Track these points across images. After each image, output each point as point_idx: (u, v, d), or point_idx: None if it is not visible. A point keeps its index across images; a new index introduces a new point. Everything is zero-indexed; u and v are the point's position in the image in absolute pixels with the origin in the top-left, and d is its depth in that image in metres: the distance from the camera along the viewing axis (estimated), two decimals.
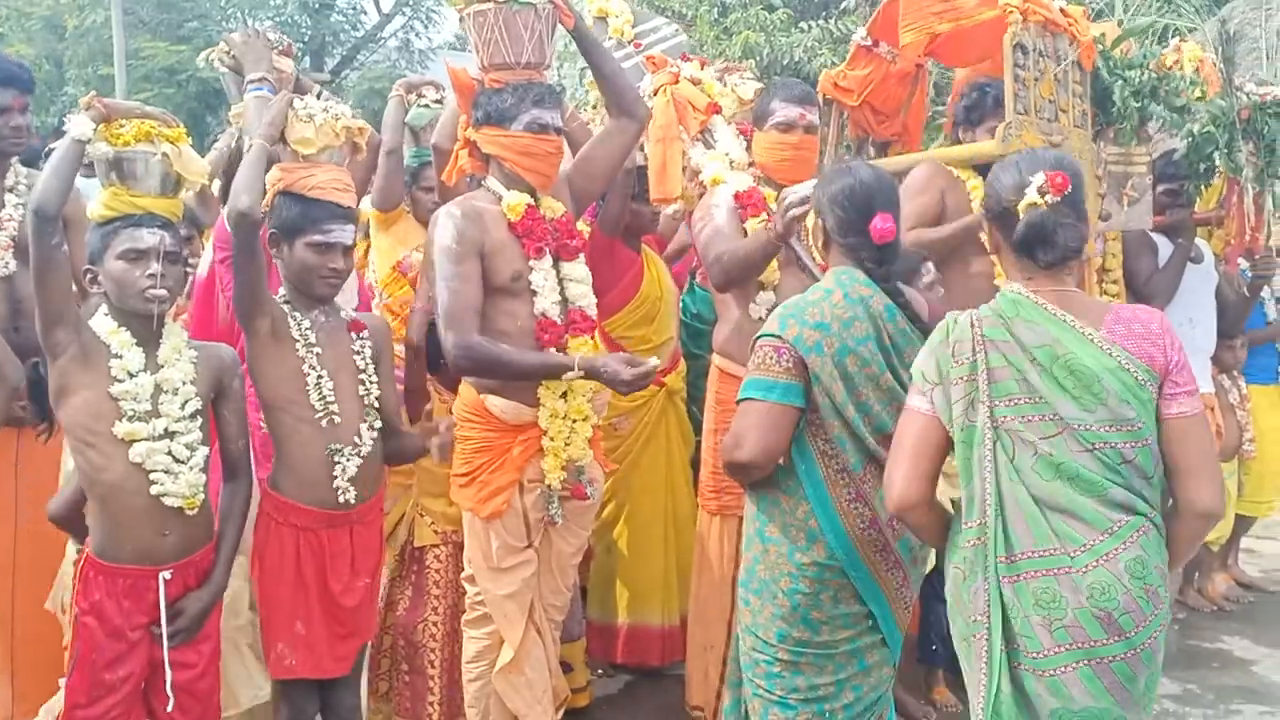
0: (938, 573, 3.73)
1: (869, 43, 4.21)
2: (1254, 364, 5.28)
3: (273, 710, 2.85)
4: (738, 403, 2.48)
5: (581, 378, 2.77)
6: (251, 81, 2.92)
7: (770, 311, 2.87)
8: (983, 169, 3.89)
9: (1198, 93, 3.86)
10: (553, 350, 2.84)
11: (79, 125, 2.42)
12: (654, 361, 2.80)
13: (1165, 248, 4.44)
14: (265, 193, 2.65)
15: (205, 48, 3.35)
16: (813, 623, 2.46)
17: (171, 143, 2.54)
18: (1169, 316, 4.38)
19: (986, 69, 4.03)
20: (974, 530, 2.12)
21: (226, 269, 3.07)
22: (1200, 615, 4.97)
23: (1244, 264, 4.74)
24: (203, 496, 2.52)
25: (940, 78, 4.45)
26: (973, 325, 2.16)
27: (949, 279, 3.74)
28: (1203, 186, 4.31)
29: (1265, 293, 5.32)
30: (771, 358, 2.42)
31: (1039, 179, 2.14)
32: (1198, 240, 4.66)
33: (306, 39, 15.62)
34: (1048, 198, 2.13)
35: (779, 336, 2.43)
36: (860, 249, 2.53)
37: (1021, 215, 2.17)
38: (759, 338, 2.49)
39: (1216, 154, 3.96)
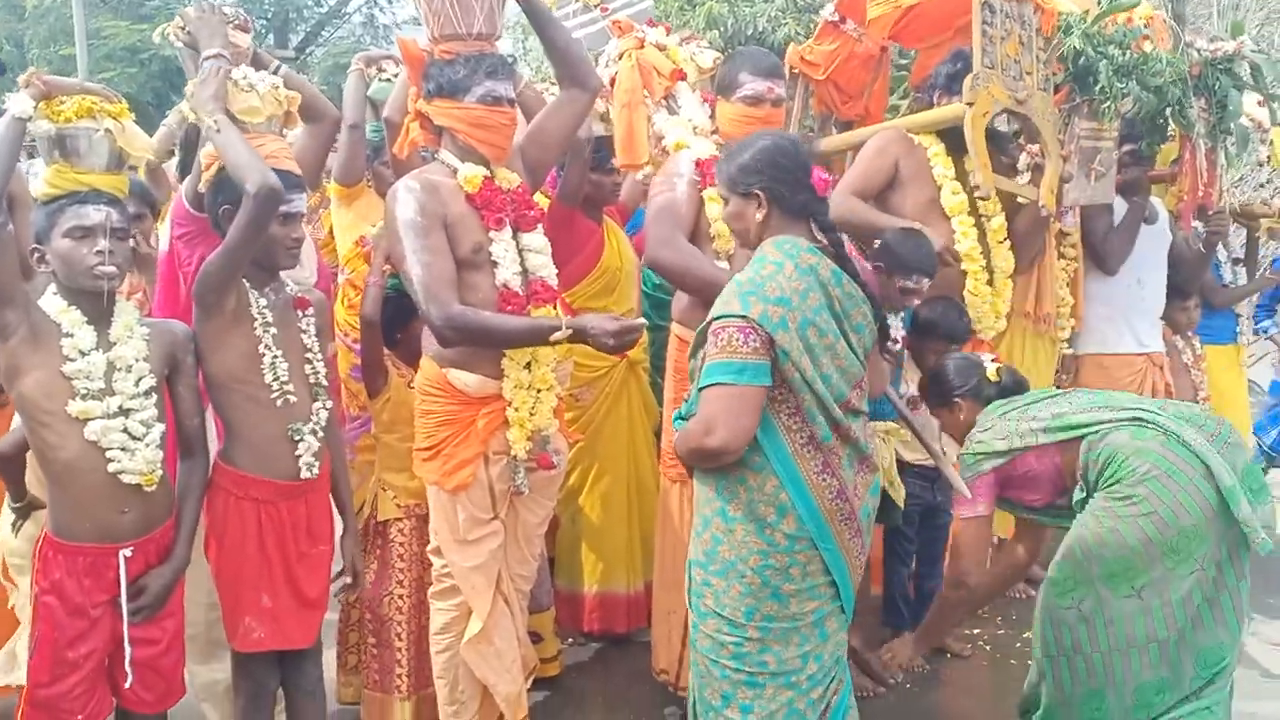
0: (902, 534, 3.82)
1: (836, 18, 4.23)
2: (1212, 325, 5.34)
3: (232, 687, 2.86)
4: (702, 389, 2.43)
5: (569, 339, 2.73)
6: (207, 58, 2.90)
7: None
8: (947, 134, 3.94)
9: (1149, 46, 3.87)
10: (536, 314, 2.85)
11: (19, 103, 2.39)
12: (640, 320, 2.80)
13: (1120, 207, 4.48)
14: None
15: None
16: (783, 596, 2.46)
17: (114, 118, 2.51)
18: (1119, 278, 4.45)
19: (946, 47, 4.08)
20: None
21: (185, 245, 3.07)
22: None
23: (1199, 226, 4.78)
24: (161, 473, 2.51)
25: (904, 53, 4.48)
26: None
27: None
28: (1157, 145, 4.35)
29: (1222, 254, 5.39)
30: (738, 339, 2.38)
31: None
32: (1152, 199, 4.70)
33: (270, 15, 15.45)
34: None
35: (744, 317, 2.38)
36: (810, 205, 2.52)
37: None
38: (719, 319, 2.43)
39: (1168, 111, 3.99)
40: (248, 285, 2.68)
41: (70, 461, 2.42)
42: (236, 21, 3.15)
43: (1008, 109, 3.70)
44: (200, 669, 3.19)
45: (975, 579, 3.11)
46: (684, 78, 3.50)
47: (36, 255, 2.46)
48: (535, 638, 3.46)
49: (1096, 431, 2.83)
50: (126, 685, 2.50)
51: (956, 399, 3.18)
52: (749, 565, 2.45)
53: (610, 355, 2.93)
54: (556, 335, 2.72)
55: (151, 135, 3.57)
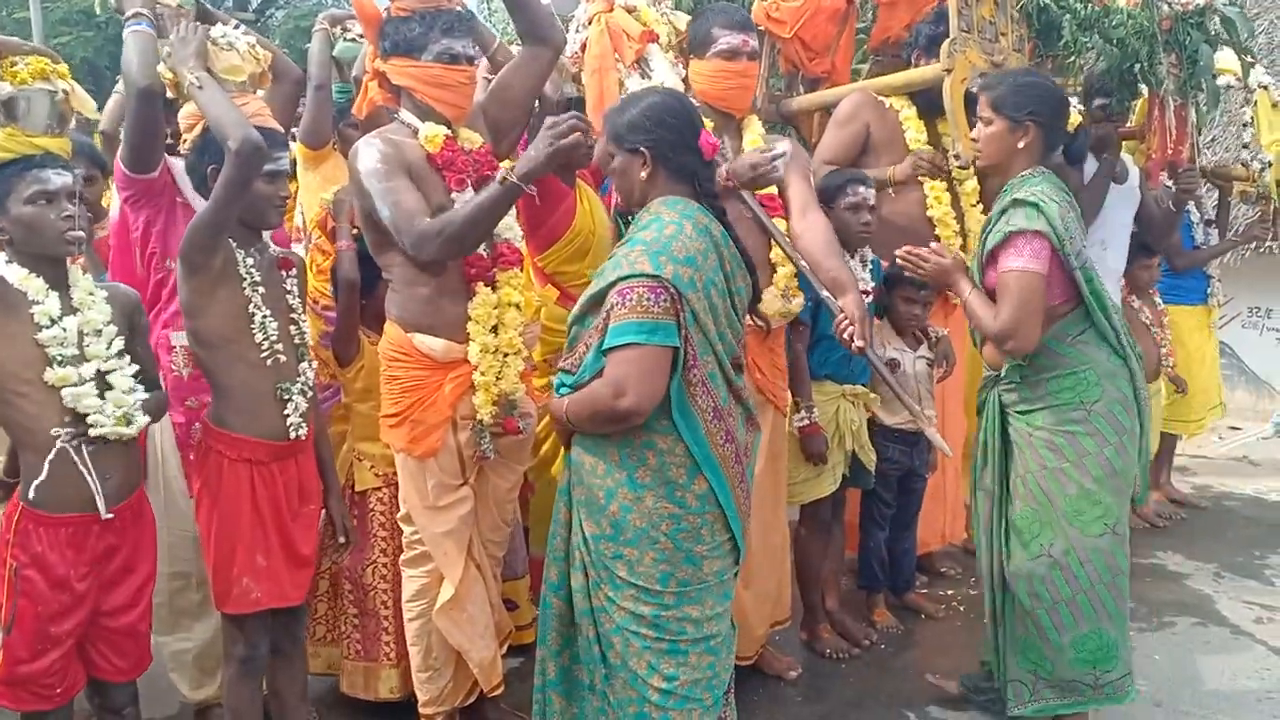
0: (879, 498, 3.83)
1: None
2: (1182, 285, 5.36)
3: (224, 655, 2.83)
4: (609, 350, 2.34)
5: (521, 185, 2.58)
6: (129, 18, 2.81)
7: None
8: (918, 96, 3.91)
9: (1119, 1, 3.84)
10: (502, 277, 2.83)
11: None
12: (571, 116, 2.61)
13: (1089, 165, 4.46)
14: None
15: None
16: (695, 558, 2.42)
17: (63, 79, 2.45)
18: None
19: (903, 6, 4.04)
20: None
21: (131, 209, 3.04)
22: (1133, 532, 5.09)
23: (1169, 184, 4.77)
24: (141, 421, 2.49)
25: (863, 18, 4.43)
26: None
27: (887, 209, 3.77)
28: (1127, 101, 4.32)
29: (1194, 216, 5.40)
30: (649, 299, 2.30)
31: None
32: (1123, 156, 4.69)
33: None
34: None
35: (656, 276, 2.30)
36: (694, 167, 2.48)
37: None
38: (628, 278, 2.33)
39: (1138, 67, 3.96)
40: (234, 245, 2.64)
41: (50, 430, 2.37)
42: None
43: (984, 72, 3.67)
44: (167, 639, 3.16)
45: (1027, 335, 2.81)
46: (655, 40, 3.43)
47: None
48: (510, 605, 3.44)
49: (1090, 321, 2.85)
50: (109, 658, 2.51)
51: (1030, 120, 2.86)
52: (661, 531, 2.39)
53: (567, 157, 2.69)
54: (508, 181, 2.57)
55: (107, 100, 3.50)
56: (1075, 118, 3.36)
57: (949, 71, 3.60)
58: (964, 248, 3.89)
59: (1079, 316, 2.87)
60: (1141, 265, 4.89)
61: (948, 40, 3.47)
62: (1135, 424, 2.87)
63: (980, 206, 3.96)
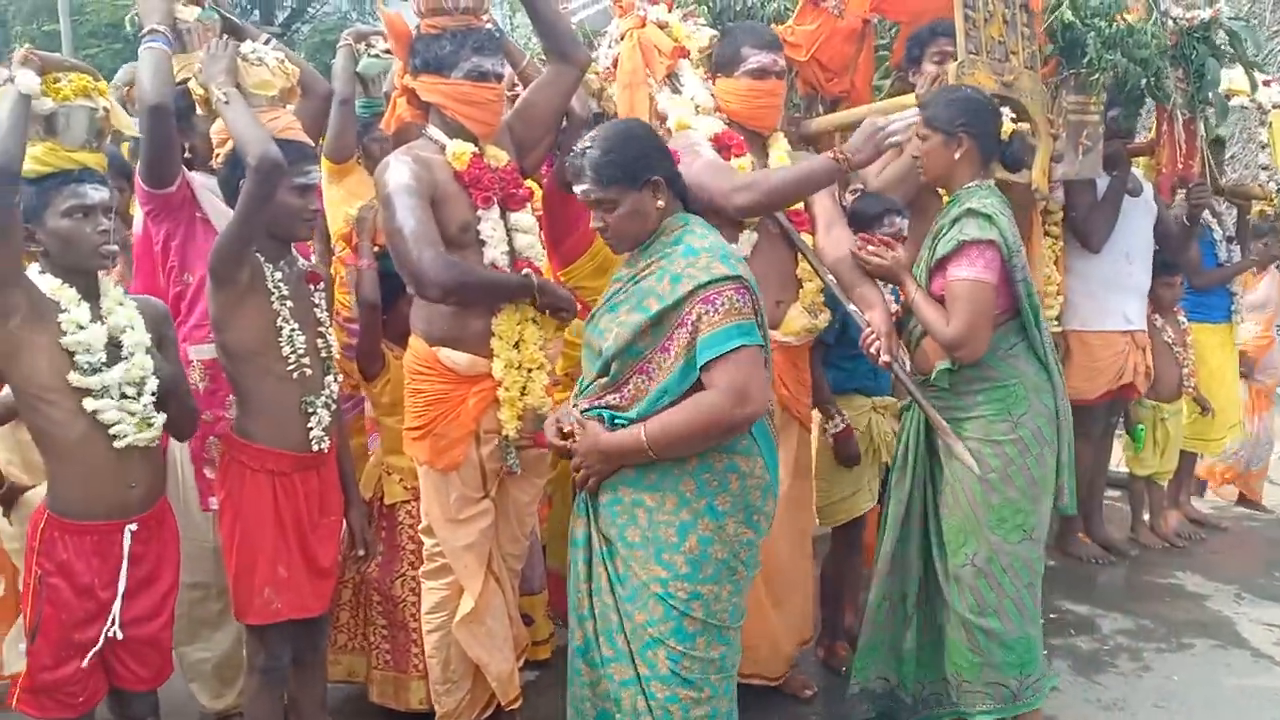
0: None
1: None
2: (1205, 303, 5.33)
3: (246, 665, 2.86)
4: (720, 357, 2.24)
5: (538, 296, 2.80)
6: (145, 33, 2.86)
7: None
8: None
9: (1131, 17, 3.83)
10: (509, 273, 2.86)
11: (27, 81, 2.35)
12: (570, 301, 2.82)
13: (1102, 183, 4.45)
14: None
15: None
16: (746, 584, 2.41)
17: (104, 96, 2.49)
18: (1105, 253, 4.43)
19: (928, 20, 4.01)
20: None
21: (153, 222, 3.10)
22: (1153, 552, 5.08)
23: (1181, 198, 4.75)
24: (159, 429, 2.51)
25: (884, 34, 4.42)
26: None
27: (912, 227, 3.74)
28: (1134, 117, 4.30)
29: (1216, 233, 5.37)
30: (739, 300, 2.27)
31: None
32: (1135, 171, 4.67)
33: None
34: None
35: (737, 277, 2.29)
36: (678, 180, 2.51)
37: None
38: (709, 284, 2.27)
39: (1144, 82, 3.95)
40: (262, 259, 2.68)
41: (80, 437, 2.40)
42: None
43: (995, 94, 3.66)
44: (187, 649, 3.19)
45: (978, 344, 2.83)
46: (686, 55, 3.44)
47: (25, 234, 2.42)
48: (527, 620, 3.46)
49: (1024, 334, 2.92)
50: (129, 667, 2.52)
51: (962, 131, 2.89)
52: (740, 559, 2.34)
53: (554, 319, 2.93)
54: (522, 285, 2.79)
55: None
56: (1009, 126, 3.37)
57: None
58: None
59: (1014, 329, 2.93)
60: (1164, 283, 4.87)
61: (954, 63, 3.46)
62: (1055, 437, 2.93)
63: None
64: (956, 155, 2.90)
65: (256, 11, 15.50)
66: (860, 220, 3.48)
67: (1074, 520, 4.86)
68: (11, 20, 12.77)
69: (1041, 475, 2.92)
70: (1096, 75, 3.79)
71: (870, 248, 3.03)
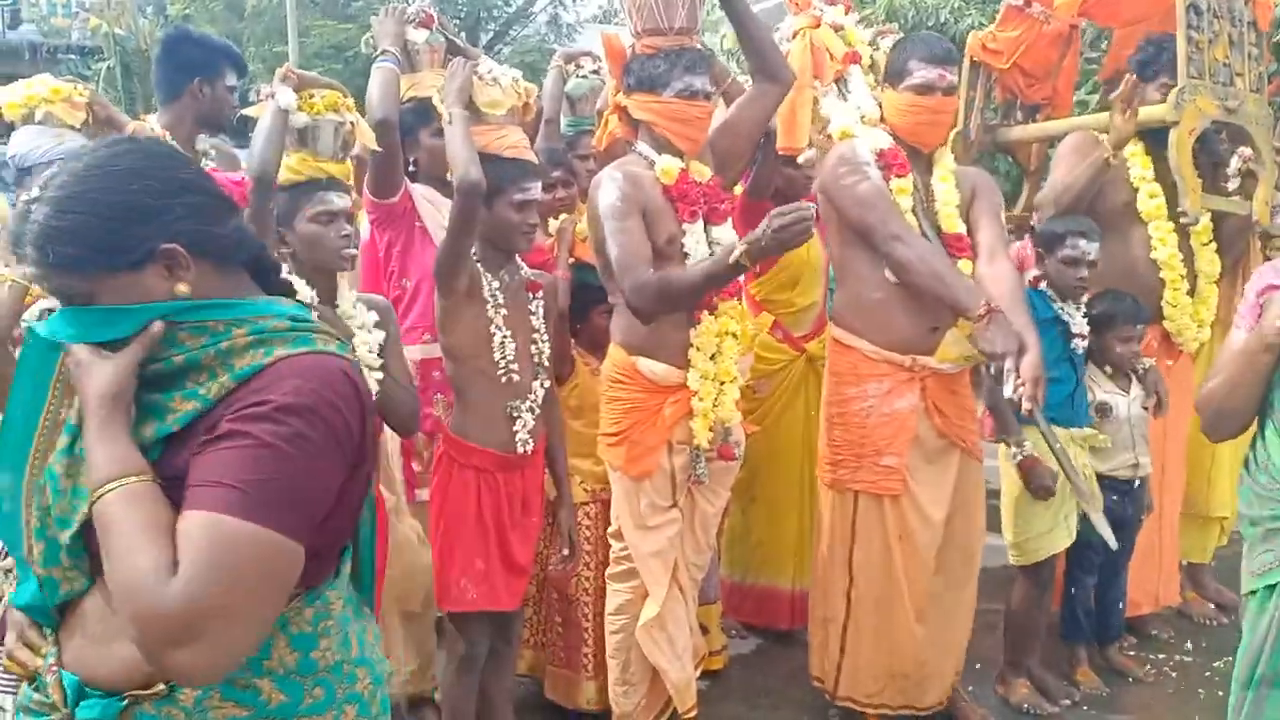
0: (1089, 546, 3.65)
1: (1020, 3, 4.01)
2: None
3: (447, 650, 3.02)
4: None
5: (747, 261, 2.63)
6: (379, 53, 3.08)
7: None
8: (1145, 132, 3.71)
9: None
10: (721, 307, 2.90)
11: (285, 96, 2.60)
12: (807, 206, 2.61)
13: None
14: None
15: (369, 25, 3.53)
16: None
17: (350, 111, 2.71)
18: None
19: (1144, 29, 3.85)
20: None
21: (378, 230, 3.32)
22: None
23: None
24: None
25: (1096, 45, 4.21)
26: None
27: (1107, 250, 3.61)
28: None
29: None
30: None
31: None
32: None
33: (463, 14, 16.02)
34: None
35: None
36: None
37: None
38: None
39: None
40: (481, 268, 2.84)
41: None
42: (418, 20, 3.33)
43: (1216, 119, 3.47)
44: None
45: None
46: (858, 61, 3.35)
47: (276, 237, 2.64)
48: (701, 629, 3.50)
49: None
50: None
51: None
52: None
53: (790, 248, 2.78)
54: (736, 257, 2.62)
55: None
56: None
57: (1175, 124, 3.37)
58: (1191, 291, 3.71)
59: None
60: None
61: (1175, 90, 3.29)
62: None
63: (1213, 245, 3.74)
64: None
65: (463, 34, 16.24)
66: (1044, 241, 3.40)
67: None
68: (246, 42, 13.81)
69: None
70: None
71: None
